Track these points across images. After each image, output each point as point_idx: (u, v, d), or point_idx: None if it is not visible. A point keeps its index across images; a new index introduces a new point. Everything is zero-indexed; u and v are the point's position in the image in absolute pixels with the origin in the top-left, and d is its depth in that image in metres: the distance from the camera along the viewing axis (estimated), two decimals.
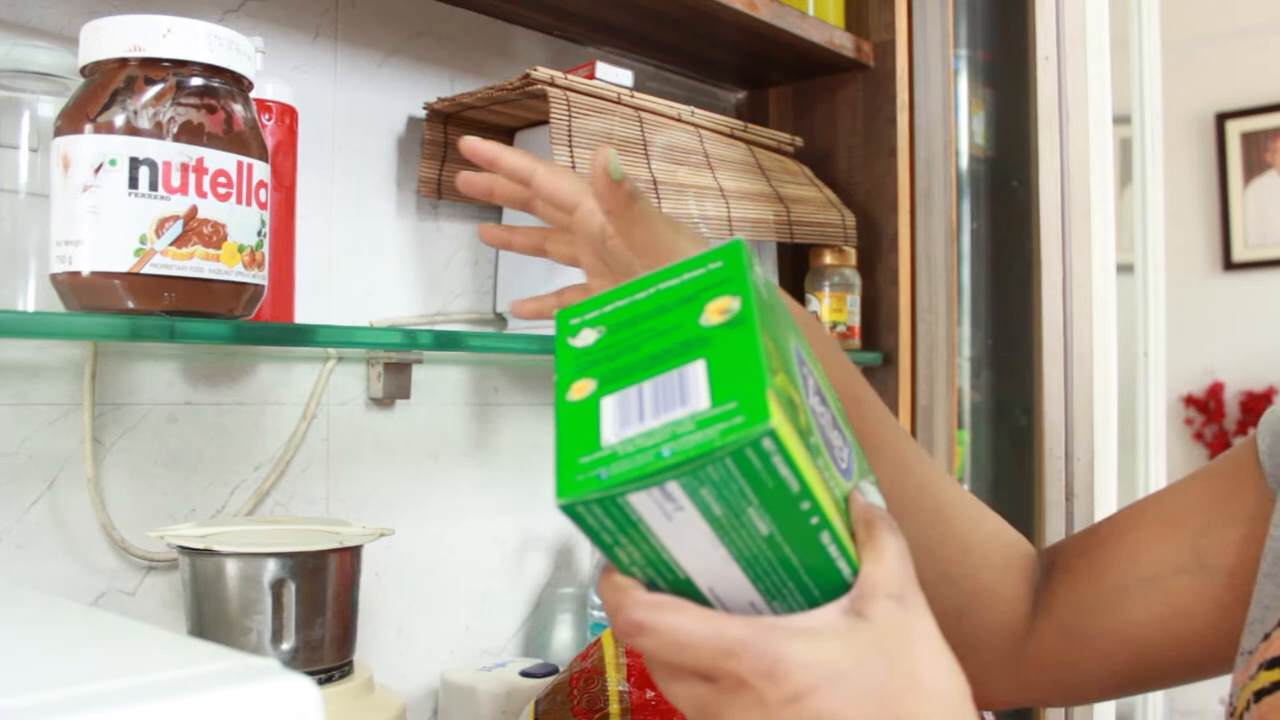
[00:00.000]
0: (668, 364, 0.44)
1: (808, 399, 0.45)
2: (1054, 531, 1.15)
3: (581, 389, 0.45)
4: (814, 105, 1.32)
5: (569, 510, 0.42)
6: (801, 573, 0.45)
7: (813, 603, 0.46)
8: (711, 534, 0.43)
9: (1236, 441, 2.89)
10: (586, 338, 0.47)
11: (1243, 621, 0.57)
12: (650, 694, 0.86)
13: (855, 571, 0.46)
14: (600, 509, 0.42)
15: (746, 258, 0.46)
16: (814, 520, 0.43)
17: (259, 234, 0.69)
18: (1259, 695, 0.50)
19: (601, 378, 0.45)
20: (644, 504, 0.42)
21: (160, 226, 0.64)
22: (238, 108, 0.68)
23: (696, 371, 0.42)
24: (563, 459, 0.43)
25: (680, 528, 0.43)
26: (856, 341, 1.23)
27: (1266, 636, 0.53)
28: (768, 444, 0.40)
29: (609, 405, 0.44)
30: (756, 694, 0.43)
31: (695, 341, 0.44)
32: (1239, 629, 0.57)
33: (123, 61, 0.64)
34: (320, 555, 0.77)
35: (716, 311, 0.44)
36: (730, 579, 0.45)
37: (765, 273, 0.48)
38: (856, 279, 1.23)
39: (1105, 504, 1.22)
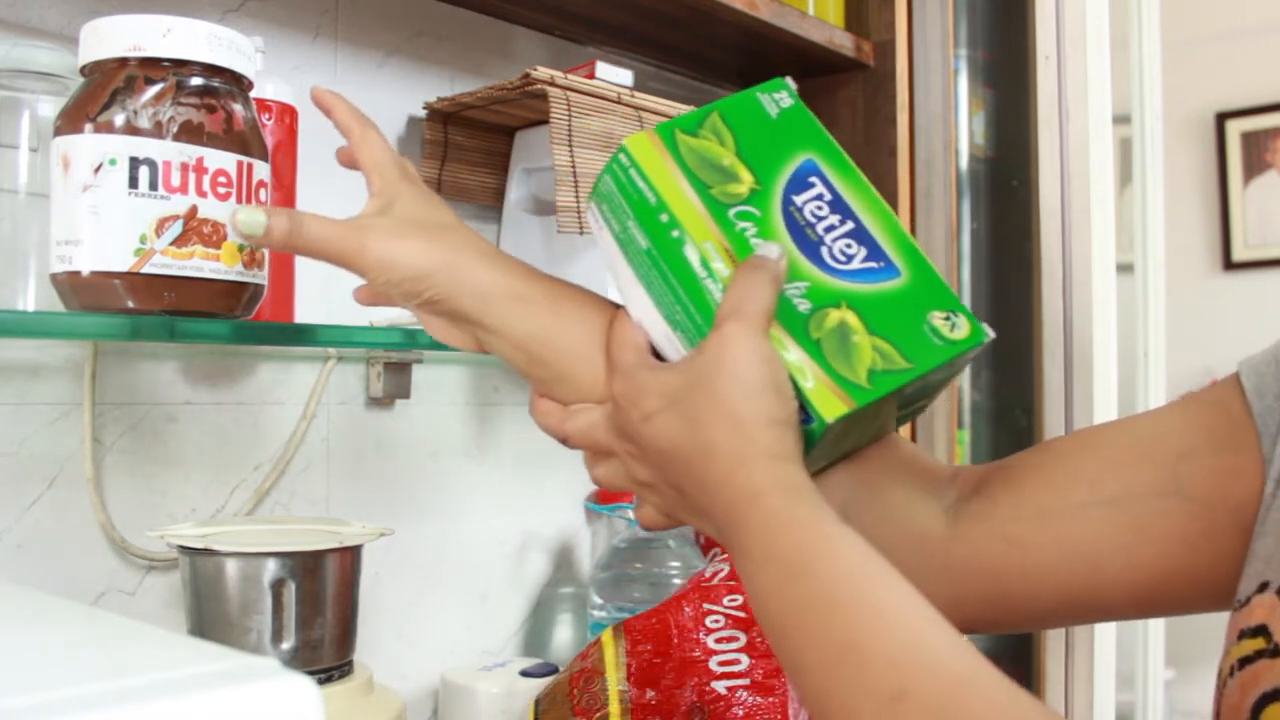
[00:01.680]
0: None
1: (780, 190, 0.55)
2: None
3: None
4: (814, 105, 1.31)
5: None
6: (684, 297, 0.53)
7: (698, 330, 0.53)
8: (621, 254, 0.56)
9: None
10: None
11: (1208, 558, 0.56)
12: (650, 694, 0.86)
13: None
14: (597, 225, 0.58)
15: (769, 85, 0.58)
16: (674, 234, 0.53)
17: None
18: (1242, 662, 0.50)
19: None
20: (591, 224, 0.58)
21: (160, 226, 0.64)
22: (238, 107, 0.68)
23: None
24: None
25: (609, 248, 0.56)
26: None
27: (1246, 602, 0.52)
28: (623, 158, 0.55)
29: None
30: (627, 413, 0.53)
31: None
32: (1201, 567, 0.56)
33: (123, 61, 0.64)
34: (320, 555, 0.77)
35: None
36: (646, 310, 0.55)
37: (796, 108, 0.58)
38: None
39: None
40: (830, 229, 0.54)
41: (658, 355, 0.55)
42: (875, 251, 0.55)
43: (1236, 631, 0.51)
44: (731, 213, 0.54)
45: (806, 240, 0.54)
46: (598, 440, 0.56)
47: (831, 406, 0.51)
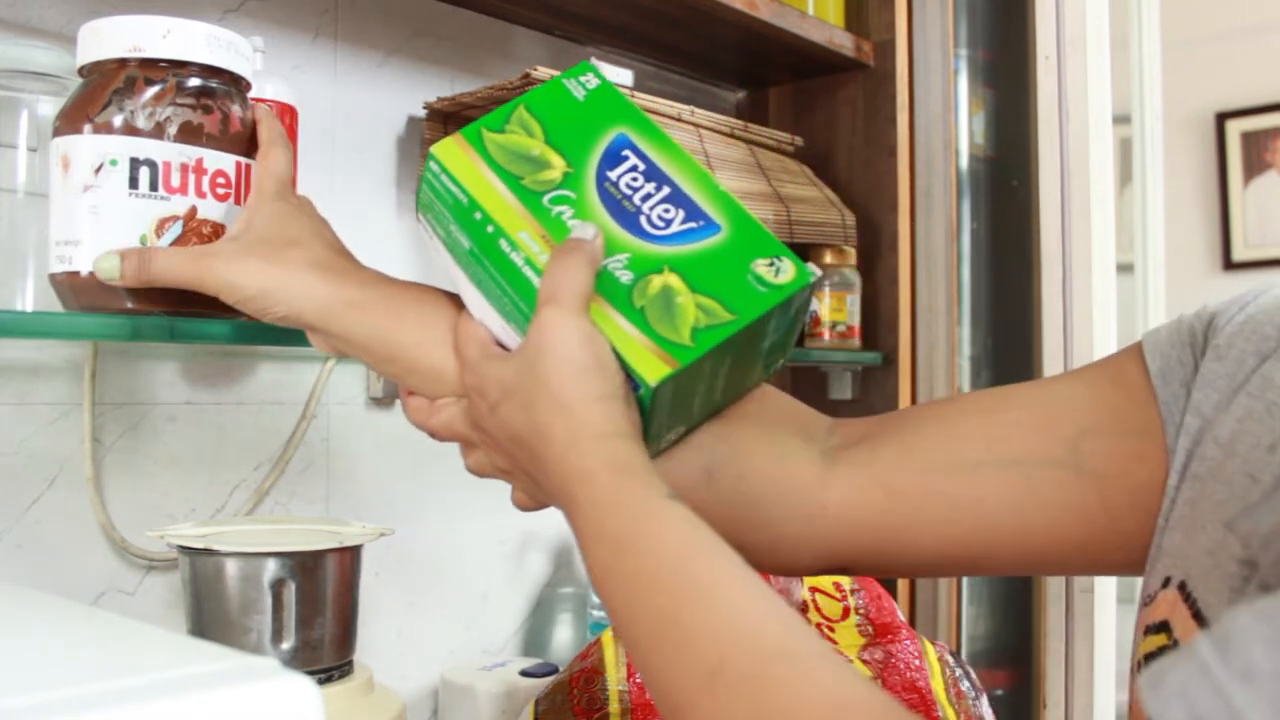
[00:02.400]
0: None
1: (593, 169, 0.56)
2: None
3: None
4: (814, 105, 1.32)
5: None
6: (509, 290, 0.54)
7: (525, 319, 0.54)
8: (450, 258, 0.58)
9: None
10: None
11: (1103, 533, 0.56)
12: (643, 694, 0.86)
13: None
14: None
15: (570, 71, 0.59)
16: (489, 229, 0.54)
17: None
18: (1147, 658, 0.50)
19: None
20: (424, 231, 0.60)
21: (160, 227, 0.64)
22: (236, 108, 0.68)
23: None
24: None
25: (440, 254, 0.59)
26: (856, 341, 1.23)
27: (1152, 598, 0.52)
28: (434, 165, 0.56)
29: None
30: (476, 405, 0.56)
31: None
32: (1097, 538, 0.56)
33: (122, 62, 0.64)
34: (320, 555, 0.77)
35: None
36: (482, 308, 0.56)
37: (602, 88, 0.59)
38: (856, 279, 1.23)
39: None
40: (647, 197, 0.56)
41: (502, 346, 0.57)
42: (693, 211, 0.56)
43: (1143, 628, 0.52)
44: (546, 199, 0.55)
45: (624, 212, 0.55)
46: (459, 433, 0.60)
47: (654, 369, 0.52)
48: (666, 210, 0.56)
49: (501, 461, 0.58)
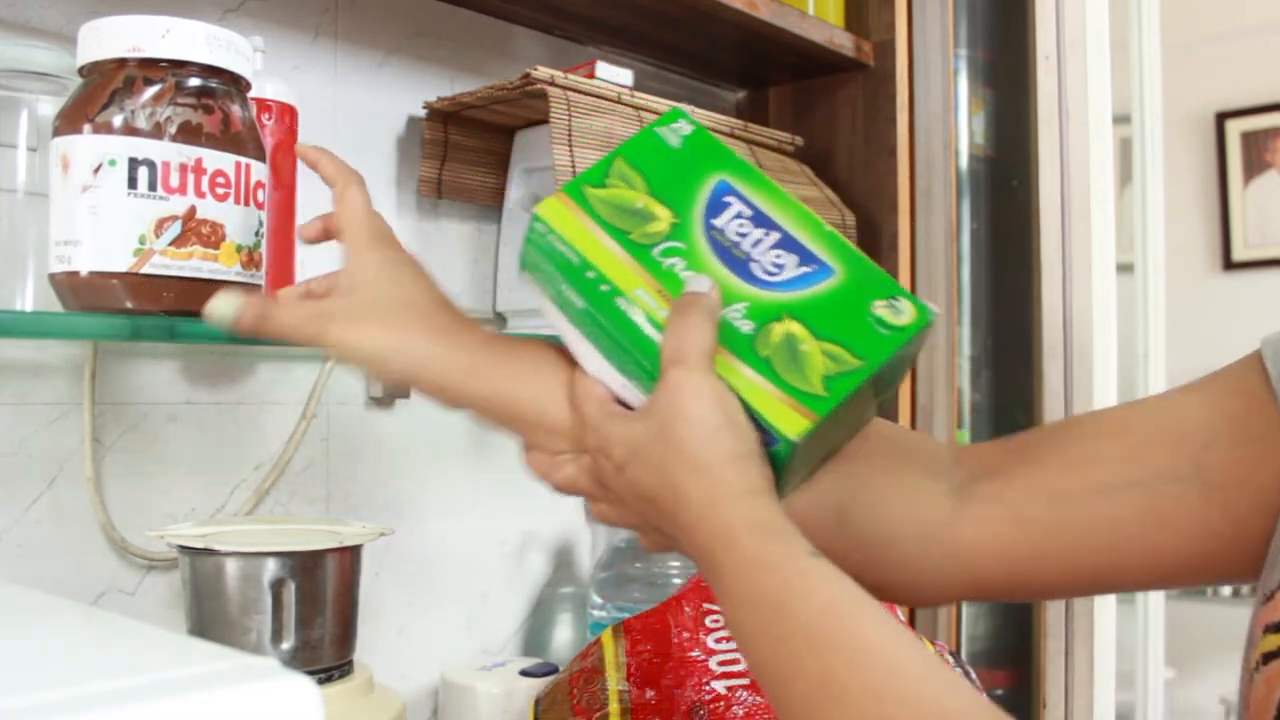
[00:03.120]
0: None
1: (699, 218, 0.55)
2: None
3: None
4: (814, 105, 1.32)
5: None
6: (629, 347, 0.53)
7: (651, 380, 0.53)
8: (560, 312, 0.56)
9: None
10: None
11: (1229, 544, 0.56)
12: (650, 694, 0.86)
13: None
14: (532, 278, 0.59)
15: (661, 119, 0.58)
16: (604, 288, 0.53)
17: (256, 234, 0.69)
18: (1266, 657, 0.50)
19: None
20: (535, 298, 0.59)
21: (159, 226, 0.64)
22: (235, 108, 0.68)
23: None
24: None
25: (549, 311, 0.57)
26: None
27: (1271, 596, 0.52)
28: (539, 226, 0.55)
29: None
30: (601, 464, 0.55)
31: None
32: (1223, 550, 0.56)
33: (121, 62, 0.64)
34: (320, 555, 0.77)
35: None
36: (599, 365, 0.55)
37: (697, 133, 0.58)
38: None
39: None
40: (757, 243, 0.55)
41: (622, 403, 0.56)
42: (806, 255, 0.55)
43: (1262, 626, 0.51)
44: (656, 252, 0.54)
45: (736, 260, 0.54)
46: (583, 489, 0.58)
47: (793, 424, 0.51)
48: (778, 256, 0.55)
49: (630, 517, 0.57)
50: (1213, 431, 0.57)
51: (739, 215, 0.55)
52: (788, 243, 0.55)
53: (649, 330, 0.52)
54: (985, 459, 0.63)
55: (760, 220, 0.55)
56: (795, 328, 0.53)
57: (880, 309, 0.54)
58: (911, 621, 1.24)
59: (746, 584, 0.49)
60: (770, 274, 0.54)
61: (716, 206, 0.55)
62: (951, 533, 0.61)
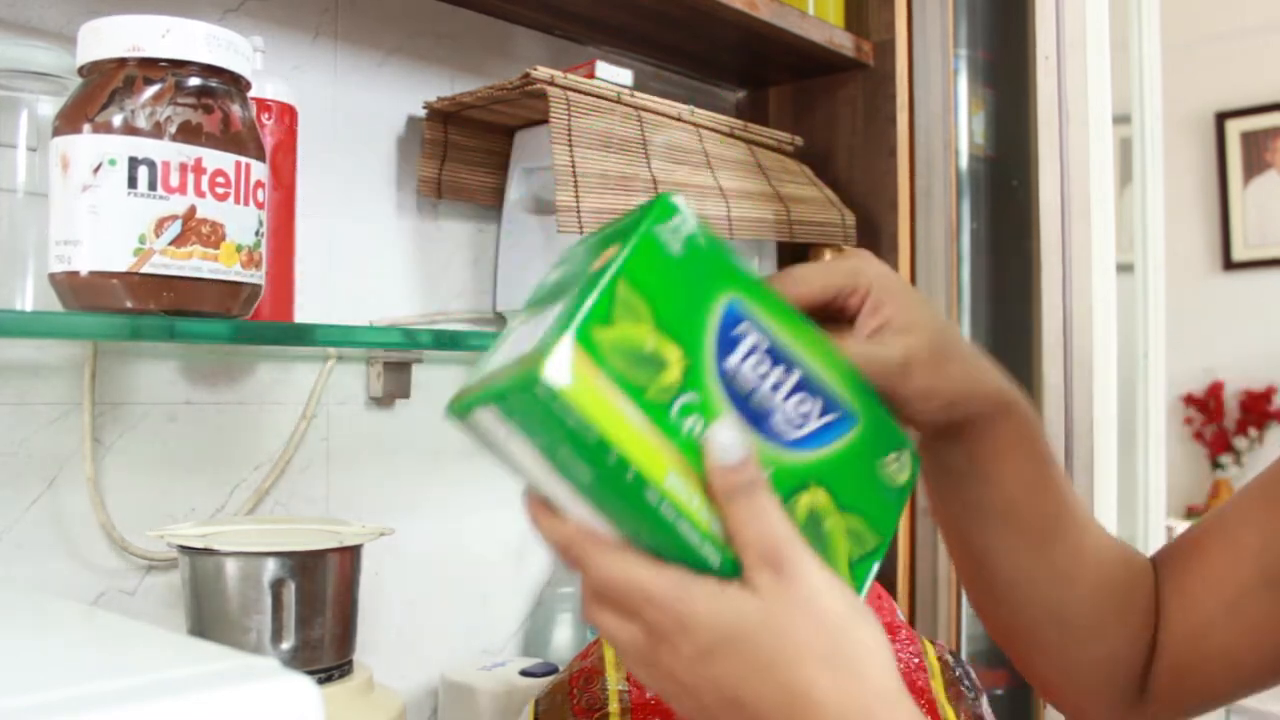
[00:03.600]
0: (546, 306, 0.47)
1: (711, 357, 0.46)
2: None
3: (513, 322, 0.50)
4: (814, 105, 1.32)
5: (450, 417, 0.48)
6: (651, 535, 0.45)
7: (671, 560, 0.46)
8: (546, 464, 0.45)
9: (1238, 442, 2.84)
10: (546, 281, 0.51)
11: None
12: (650, 693, 0.86)
13: (709, 540, 0.46)
14: (464, 424, 0.47)
15: (659, 212, 0.46)
16: (629, 476, 0.43)
17: (256, 234, 0.69)
18: None
19: (527, 310, 0.50)
20: (483, 421, 0.46)
21: (159, 226, 0.64)
22: (235, 108, 0.68)
23: (552, 313, 0.45)
24: (468, 383, 0.48)
25: (520, 451, 0.46)
26: None
27: None
28: (542, 392, 0.42)
29: (513, 335, 0.48)
30: (673, 645, 0.46)
31: (574, 284, 0.46)
32: None
33: (121, 61, 0.64)
34: (320, 555, 0.77)
35: (602, 259, 0.45)
36: (591, 518, 0.46)
37: (697, 233, 0.47)
38: None
39: (1105, 504, 1.22)
40: (776, 387, 0.47)
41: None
42: (829, 401, 0.48)
43: None
44: (673, 413, 0.44)
45: (755, 414, 0.46)
46: (622, 602, 0.48)
47: None
48: (801, 403, 0.47)
49: (682, 700, 0.48)
50: (1265, 531, 0.59)
51: (754, 350, 0.47)
52: (810, 383, 0.48)
53: (683, 526, 0.45)
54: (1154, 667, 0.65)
55: (777, 355, 0.47)
56: (821, 498, 0.48)
57: (890, 465, 0.49)
58: (911, 620, 1.24)
59: None
60: (795, 427, 0.47)
61: (729, 341, 0.46)
62: (1140, 680, 0.64)
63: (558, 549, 0.49)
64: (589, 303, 0.43)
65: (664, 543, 0.45)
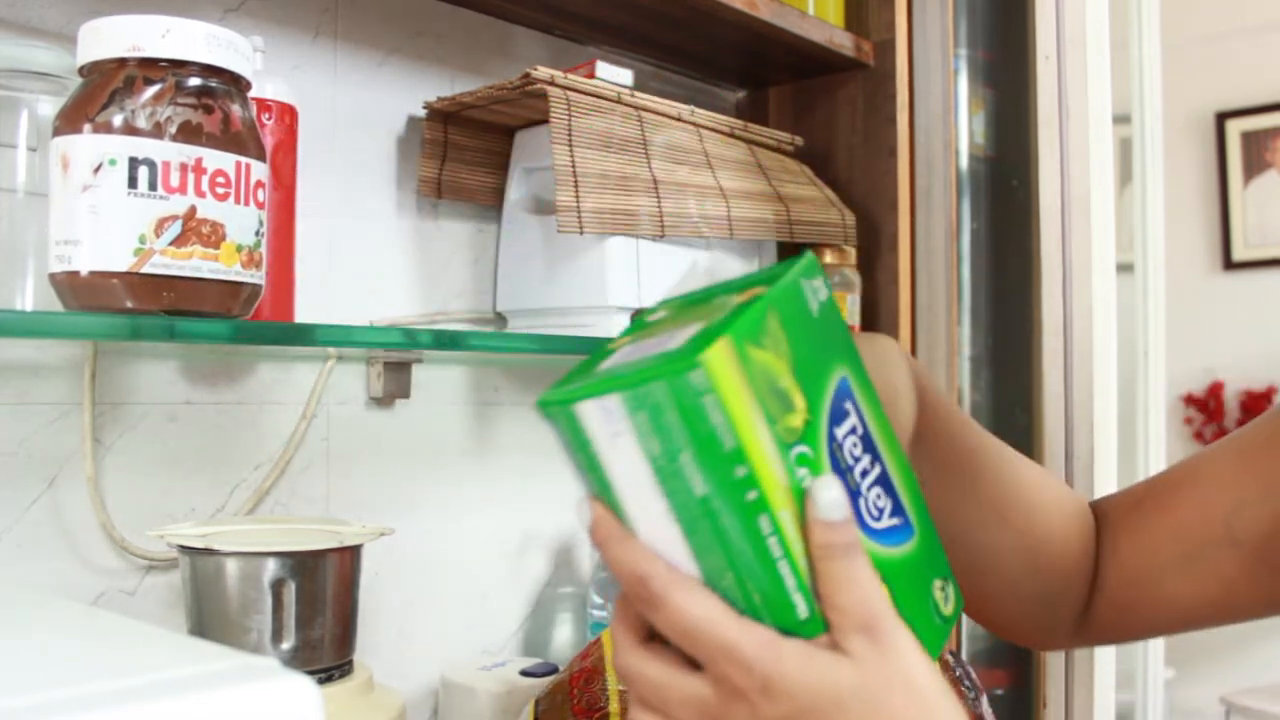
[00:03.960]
0: (678, 326, 0.46)
1: (825, 421, 0.45)
2: None
3: (614, 344, 0.49)
4: (814, 105, 1.32)
5: (542, 412, 0.46)
6: (742, 563, 0.43)
7: (749, 605, 0.44)
8: (650, 473, 0.43)
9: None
10: (657, 315, 0.51)
11: (1248, 599, 0.61)
12: None
13: (802, 590, 0.44)
14: (561, 417, 0.45)
15: (806, 267, 0.47)
16: (751, 496, 0.42)
17: (257, 234, 0.69)
18: None
19: (633, 335, 0.48)
20: (591, 416, 0.43)
21: (159, 226, 0.64)
22: (235, 108, 0.68)
23: (691, 329, 0.44)
24: (561, 381, 0.46)
25: (622, 455, 0.43)
26: None
27: None
28: (698, 378, 0.40)
29: (619, 351, 0.47)
30: (752, 706, 0.44)
31: (712, 312, 0.45)
32: (1243, 605, 0.61)
33: (121, 61, 0.64)
34: (320, 555, 0.77)
35: (746, 295, 0.45)
36: (672, 544, 0.44)
37: (831, 302, 0.48)
38: (856, 278, 1.23)
39: None
40: (865, 474, 0.47)
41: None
42: (897, 505, 0.48)
43: None
44: (793, 455, 0.44)
45: (849, 491, 0.45)
46: (697, 651, 0.45)
47: None
48: (879, 497, 0.47)
49: None
50: (1239, 492, 0.61)
51: (854, 431, 0.47)
52: (886, 482, 0.48)
53: (782, 566, 0.43)
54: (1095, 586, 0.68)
55: (869, 444, 0.47)
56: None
57: (937, 592, 0.48)
58: None
59: None
60: (874, 518, 0.47)
61: (839, 413, 0.46)
62: (1082, 611, 0.68)
63: (629, 579, 0.45)
64: (744, 319, 0.43)
65: (753, 582, 0.43)
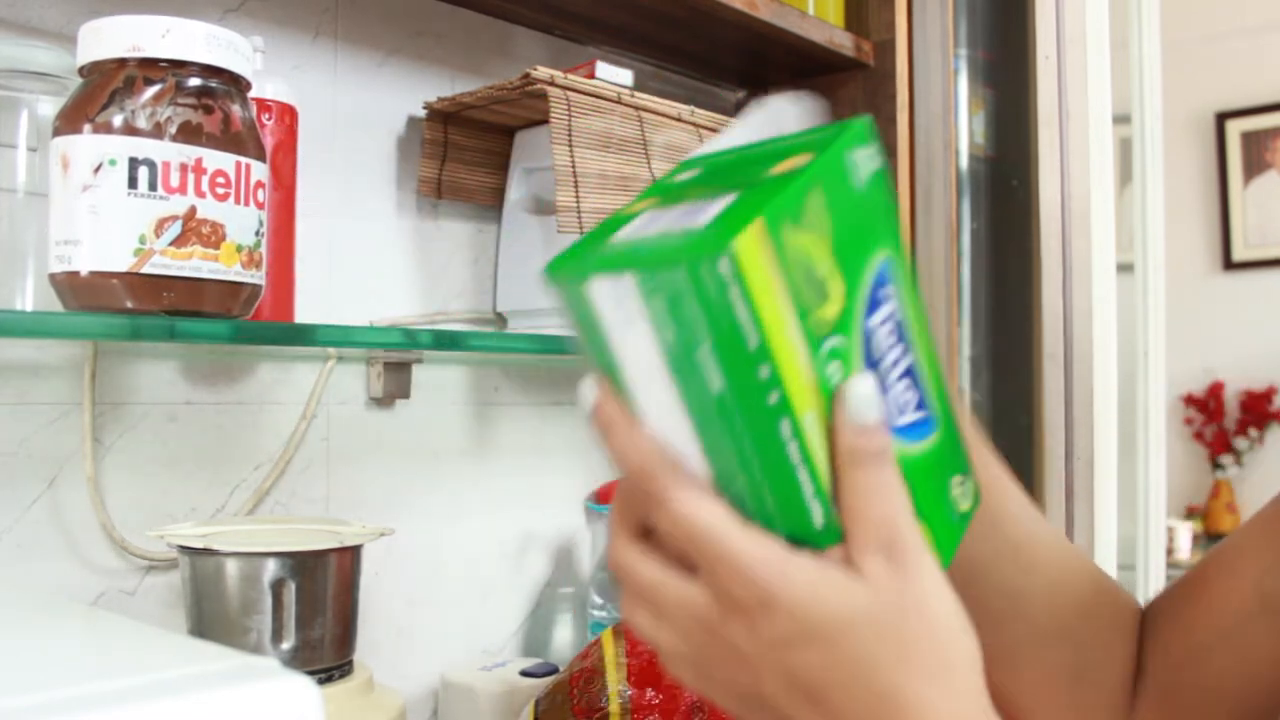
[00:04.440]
0: (708, 195, 0.41)
1: (862, 309, 0.41)
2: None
3: (636, 206, 0.44)
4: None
5: (549, 279, 0.41)
6: (756, 468, 0.39)
7: (760, 509, 0.40)
8: (663, 363, 0.39)
9: (1238, 442, 2.85)
10: (685, 175, 0.46)
11: None
12: (650, 694, 0.86)
13: (820, 497, 0.40)
14: (570, 288, 0.40)
15: (855, 134, 0.43)
16: (773, 398, 0.38)
17: (257, 234, 0.69)
18: None
19: (658, 198, 0.44)
20: (602, 293, 0.39)
21: (159, 226, 0.64)
22: (235, 108, 0.68)
23: (721, 203, 0.39)
24: (574, 246, 0.42)
25: (634, 339, 0.39)
26: None
27: None
28: (724, 267, 0.36)
29: (641, 217, 0.42)
30: (751, 621, 0.40)
31: (747, 183, 0.40)
32: None
33: (121, 62, 0.64)
34: (320, 555, 0.77)
35: (786, 165, 0.41)
36: (681, 438, 0.40)
37: (881, 173, 0.44)
38: None
39: (1105, 504, 1.22)
40: (894, 364, 0.43)
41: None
42: (923, 397, 0.44)
43: None
44: (824, 350, 0.39)
45: (879, 386, 0.41)
46: (702, 557, 0.41)
47: None
48: (907, 389, 0.43)
49: (726, 695, 0.43)
50: (1266, 558, 0.58)
51: (890, 318, 0.42)
52: (913, 374, 0.44)
53: (801, 473, 0.40)
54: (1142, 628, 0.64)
55: (902, 332, 0.43)
56: None
57: (955, 488, 0.45)
58: None
59: None
60: (898, 414, 0.43)
61: (876, 299, 0.42)
62: (1128, 710, 0.63)
63: (632, 469, 0.41)
64: (783, 196, 0.38)
65: (767, 487, 0.40)
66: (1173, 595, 0.64)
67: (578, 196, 0.95)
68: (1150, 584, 1.88)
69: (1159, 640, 0.63)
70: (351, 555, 0.80)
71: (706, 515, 0.40)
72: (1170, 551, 2.69)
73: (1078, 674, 0.61)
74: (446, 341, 0.88)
